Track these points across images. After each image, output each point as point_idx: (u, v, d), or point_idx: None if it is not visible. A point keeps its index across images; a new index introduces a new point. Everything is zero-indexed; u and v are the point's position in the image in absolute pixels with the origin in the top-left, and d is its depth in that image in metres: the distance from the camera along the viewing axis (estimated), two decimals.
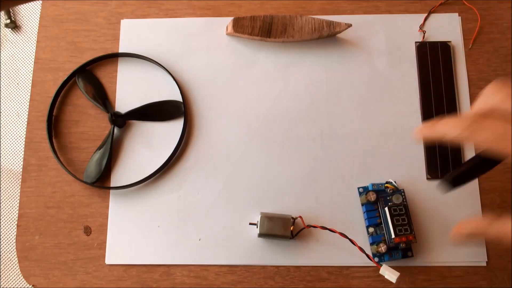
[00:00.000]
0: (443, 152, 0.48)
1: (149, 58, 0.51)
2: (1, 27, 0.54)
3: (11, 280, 0.48)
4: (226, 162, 0.48)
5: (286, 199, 0.47)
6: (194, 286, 0.45)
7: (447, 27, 0.52)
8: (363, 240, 0.45)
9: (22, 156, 0.49)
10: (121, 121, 0.49)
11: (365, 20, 0.52)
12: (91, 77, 0.51)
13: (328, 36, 0.51)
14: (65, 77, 0.50)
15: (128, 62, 0.52)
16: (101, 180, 0.48)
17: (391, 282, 0.42)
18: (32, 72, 0.52)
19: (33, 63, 0.52)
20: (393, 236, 0.43)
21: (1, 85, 0.51)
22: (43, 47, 0.53)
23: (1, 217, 0.49)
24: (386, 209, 0.44)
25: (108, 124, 0.50)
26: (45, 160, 0.49)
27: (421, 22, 0.52)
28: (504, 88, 0.32)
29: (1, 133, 0.51)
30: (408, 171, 0.48)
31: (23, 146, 0.50)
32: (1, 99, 0.52)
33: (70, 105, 0.51)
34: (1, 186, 0.50)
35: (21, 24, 0.55)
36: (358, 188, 0.47)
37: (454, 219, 0.46)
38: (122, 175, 0.48)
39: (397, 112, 0.49)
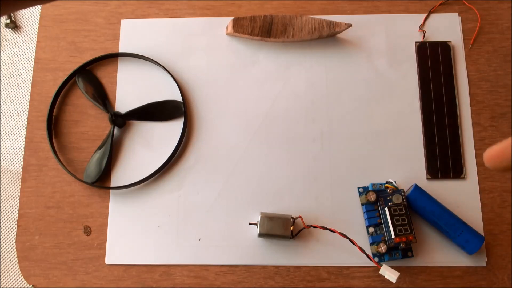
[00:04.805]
0: (443, 152, 0.48)
1: (149, 58, 0.51)
2: (1, 27, 0.54)
3: (11, 280, 0.48)
4: (226, 162, 0.48)
5: (286, 199, 0.47)
6: (194, 286, 0.45)
7: (447, 27, 0.52)
8: (363, 240, 0.45)
9: (22, 156, 0.49)
10: (121, 121, 0.49)
11: (365, 20, 0.52)
12: (91, 77, 0.51)
13: (328, 36, 0.51)
14: (65, 77, 0.50)
15: (128, 62, 0.52)
16: (101, 180, 0.48)
17: (391, 282, 0.42)
18: (32, 72, 0.52)
19: (33, 63, 0.52)
20: (393, 236, 0.43)
21: (1, 85, 0.51)
22: (43, 47, 0.53)
23: (1, 217, 0.49)
24: (386, 209, 0.44)
25: (108, 124, 0.50)
26: (45, 160, 0.49)
27: (421, 22, 0.52)
28: None
29: (1, 133, 0.51)
30: (408, 171, 0.48)
31: (23, 146, 0.50)
32: (1, 99, 0.52)
33: (70, 105, 0.51)
34: (1, 186, 0.50)
35: (21, 24, 0.55)
36: (358, 188, 0.47)
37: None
38: (122, 175, 0.48)
39: (397, 112, 0.49)
